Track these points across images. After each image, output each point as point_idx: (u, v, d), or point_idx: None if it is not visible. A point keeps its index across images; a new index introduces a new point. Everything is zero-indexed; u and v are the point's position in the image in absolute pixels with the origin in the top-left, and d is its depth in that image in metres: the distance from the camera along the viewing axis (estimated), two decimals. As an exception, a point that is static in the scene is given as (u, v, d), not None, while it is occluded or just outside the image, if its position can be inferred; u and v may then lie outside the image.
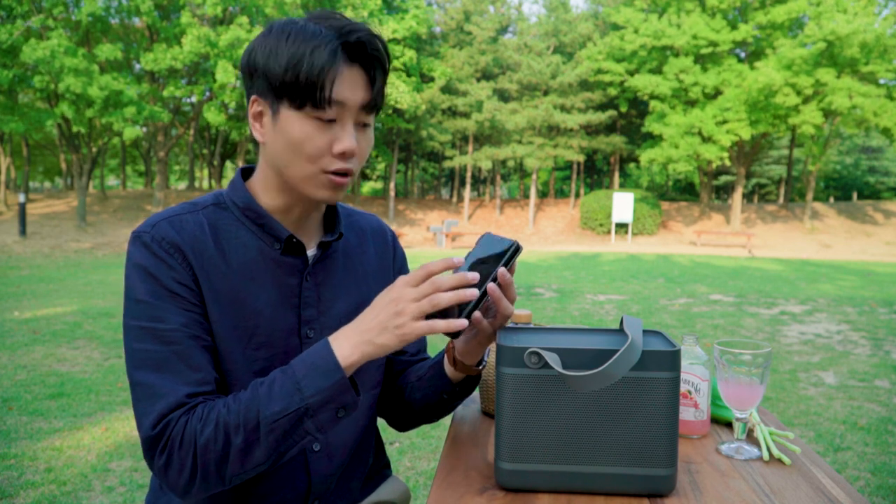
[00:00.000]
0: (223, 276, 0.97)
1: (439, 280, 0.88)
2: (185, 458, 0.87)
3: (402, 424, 1.23)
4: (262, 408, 0.86)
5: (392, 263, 1.20)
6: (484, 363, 1.10)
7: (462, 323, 0.87)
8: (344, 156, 0.94)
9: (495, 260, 0.94)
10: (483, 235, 0.99)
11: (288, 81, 0.90)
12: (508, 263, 0.93)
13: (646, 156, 26.84)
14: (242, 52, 0.98)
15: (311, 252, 1.06)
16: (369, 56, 0.94)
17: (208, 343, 0.95)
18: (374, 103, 0.96)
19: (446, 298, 0.86)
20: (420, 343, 1.24)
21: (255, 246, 1.00)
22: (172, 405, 0.88)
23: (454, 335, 0.92)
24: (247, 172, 1.07)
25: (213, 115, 20.18)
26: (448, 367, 1.09)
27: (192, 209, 1.00)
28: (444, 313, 0.91)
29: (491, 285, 0.92)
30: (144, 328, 0.91)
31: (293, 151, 0.94)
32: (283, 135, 0.94)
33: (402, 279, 0.89)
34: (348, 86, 0.92)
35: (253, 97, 0.96)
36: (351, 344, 0.88)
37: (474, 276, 0.88)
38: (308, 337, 1.03)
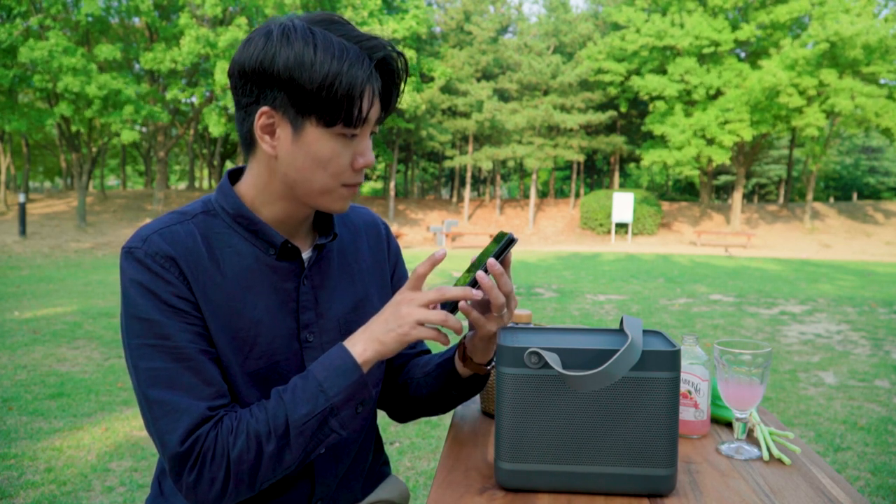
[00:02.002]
0: (218, 287, 0.95)
1: (445, 293, 0.92)
2: (217, 472, 0.87)
3: (403, 417, 1.23)
4: (289, 413, 0.89)
5: (387, 257, 1.19)
6: (493, 364, 1.10)
7: (445, 340, 0.94)
8: (363, 168, 0.96)
9: (489, 253, 0.96)
10: (498, 234, 1.01)
11: (323, 99, 0.88)
12: (501, 255, 0.95)
13: (649, 157, 26.82)
14: (236, 52, 0.92)
15: (306, 255, 1.04)
16: (392, 73, 0.94)
17: (214, 355, 0.94)
18: (387, 116, 0.98)
19: (453, 319, 0.92)
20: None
21: (249, 253, 0.98)
22: (198, 420, 0.88)
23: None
24: (234, 174, 1.04)
25: (213, 123, 20.01)
26: (458, 363, 1.10)
27: (181, 219, 0.97)
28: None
29: (479, 273, 0.93)
30: (152, 346, 0.89)
31: (318, 167, 0.93)
32: (308, 151, 0.92)
33: (403, 288, 0.95)
34: (373, 103, 0.93)
35: (264, 109, 0.90)
36: (363, 342, 0.92)
37: (478, 293, 0.92)
38: (308, 341, 1.02)
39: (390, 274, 1.19)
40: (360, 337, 0.93)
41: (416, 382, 1.15)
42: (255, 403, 0.92)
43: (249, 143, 0.96)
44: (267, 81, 0.89)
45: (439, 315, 0.90)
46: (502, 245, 0.95)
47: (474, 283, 0.93)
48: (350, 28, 0.92)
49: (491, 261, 0.93)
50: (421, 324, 0.90)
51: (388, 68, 0.93)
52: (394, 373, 1.21)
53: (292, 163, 0.93)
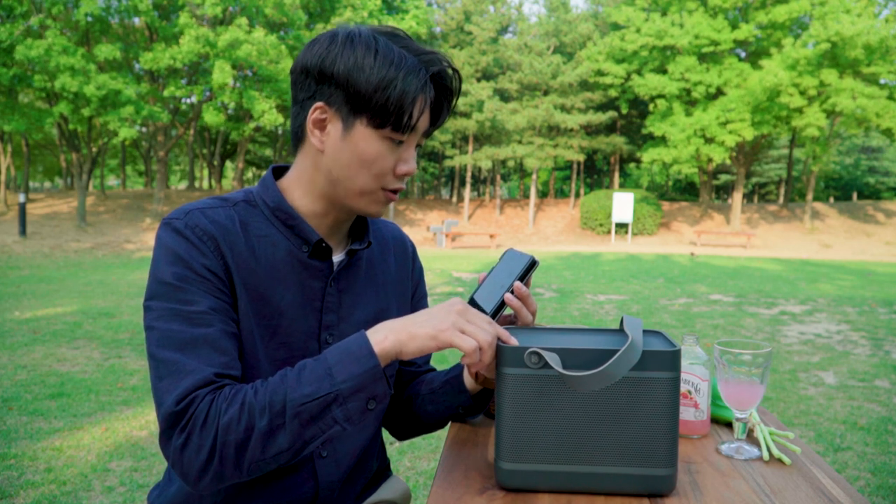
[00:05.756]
0: (251, 272, 0.97)
1: (501, 335, 0.91)
2: (205, 439, 0.83)
3: (403, 433, 1.24)
4: (289, 391, 0.84)
5: (410, 275, 1.21)
6: None
7: (475, 358, 0.89)
8: (404, 176, 0.98)
9: (512, 274, 1.01)
10: (506, 251, 1.05)
11: (376, 101, 0.91)
12: (525, 277, 1.00)
13: (648, 155, 26.81)
14: (300, 52, 0.98)
15: (337, 258, 1.06)
16: (447, 89, 0.97)
17: (235, 331, 0.94)
18: (434, 130, 1.00)
19: (489, 354, 0.88)
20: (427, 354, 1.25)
21: (283, 246, 1.00)
22: (199, 382, 0.86)
23: None
24: (277, 171, 1.07)
25: (211, 116, 20.15)
26: (468, 380, 1.10)
27: (223, 204, 1.00)
28: None
29: (508, 295, 0.98)
30: (171, 309, 0.90)
31: (361, 167, 0.96)
32: (354, 149, 0.95)
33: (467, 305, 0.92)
34: (423, 112, 0.95)
35: (318, 104, 0.95)
36: (386, 329, 0.88)
37: (515, 342, 0.92)
38: (327, 342, 1.03)
39: (411, 293, 1.21)
40: (385, 325, 0.89)
41: (420, 398, 1.16)
42: (260, 379, 0.89)
43: (299, 138, 1.00)
44: (325, 79, 0.93)
45: (487, 337, 0.87)
46: (526, 268, 1.00)
47: (502, 304, 0.98)
48: (411, 42, 0.96)
49: (517, 284, 0.99)
50: (464, 333, 0.87)
51: (441, 82, 0.96)
52: (400, 388, 1.21)
53: (338, 159, 0.96)
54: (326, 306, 1.03)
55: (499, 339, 0.90)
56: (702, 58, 26.66)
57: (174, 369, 0.87)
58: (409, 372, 1.21)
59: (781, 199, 37.10)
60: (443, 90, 0.97)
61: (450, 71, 0.97)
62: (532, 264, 1.00)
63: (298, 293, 1.01)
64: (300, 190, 1.02)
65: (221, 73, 18.13)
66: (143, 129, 24.17)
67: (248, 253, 0.97)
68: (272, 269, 0.99)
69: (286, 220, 1.01)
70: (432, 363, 1.31)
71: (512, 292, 0.98)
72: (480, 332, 0.87)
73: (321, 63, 0.93)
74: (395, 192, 1.00)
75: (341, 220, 1.05)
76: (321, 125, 0.96)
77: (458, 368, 1.13)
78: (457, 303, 0.90)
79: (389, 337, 0.87)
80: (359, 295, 1.08)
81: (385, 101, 0.91)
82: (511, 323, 1.05)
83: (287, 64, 19.95)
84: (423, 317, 0.89)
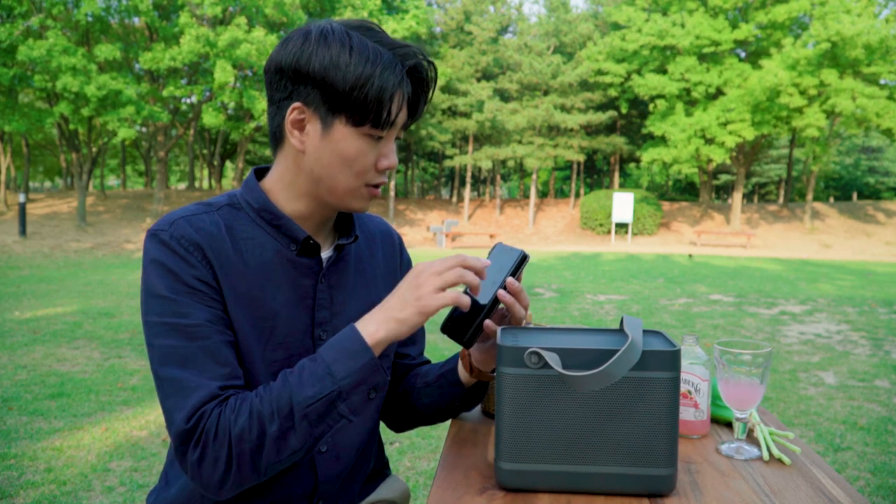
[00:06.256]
0: (241, 276, 0.97)
1: (466, 258, 0.91)
2: (220, 451, 0.86)
3: (400, 426, 1.24)
4: (294, 394, 0.86)
5: (399, 267, 1.21)
6: None
7: (466, 301, 0.90)
8: (386, 171, 0.99)
9: (504, 270, 1.00)
10: (495, 245, 1.04)
11: (353, 99, 0.91)
12: (516, 272, 0.98)
13: (648, 155, 26.80)
14: (273, 50, 0.97)
15: (325, 254, 1.06)
16: (423, 81, 0.97)
17: (232, 339, 0.95)
18: (413, 122, 1.00)
19: (470, 275, 0.90)
20: (420, 345, 1.25)
21: (271, 247, 1.00)
22: (205, 398, 0.87)
23: (468, 343, 0.98)
24: (259, 172, 1.07)
25: (210, 117, 20.11)
26: (463, 373, 1.11)
27: (207, 209, 1.00)
28: (459, 327, 0.97)
29: (501, 291, 0.97)
30: (168, 324, 0.90)
31: (343, 165, 0.95)
32: (335, 149, 0.94)
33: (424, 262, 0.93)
34: (401, 107, 0.95)
35: (296, 104, 0.94)
36: (375, 322, 0.90)
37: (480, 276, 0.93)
38: (321, 339, 1.03)
39: None
40: (374, 316, 0.91)
41: (416, 391, 1.16)
42: (262, 385, 0.91)
43: (278, 139, 0.99)
44: (301, 79, 0.92)
45: (455, 273, 0.89)
46: (517, 263, 0.99)
47: (496, 301, 0.97)
48: (384, 35, 0.95)
49: (510, 279, 0.98)
50: (441, 289, 0.89)
51: (418, 75, 0.96)
52: (396, 380, 1.21)
53: (319, 158, 0.96)
54: (318, 303, 1.03)
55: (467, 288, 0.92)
56: (702, 58, 26.65)
57: (179, 387, 0.88)
58: (403, 365, 1.21)
59: (781, 199, 37.11)
60: (419, 83, 0.97)
61: (425, 63, 0.96)
62: (523, 259, 0.99)
63: (290, 292, 1.01)
64: (283, 190, 1.01)
65: (223, 73, 18.12)
66: (143, 129, 24.17)
67: (235, 257, 0.97)
68: (262, 271, 0.99)
69: (272, 220, 1.01)
70: (428, 356, 1.30)
71: (504, 288, 0.98)
72: (450, 275, 0.89)
73: (296, 62, 0.92)
74: (377, 186, 1.00)
75: (326, 217, 1.05)
76: (300, 125, 0.95)
77: (453, 361, 1.13)
78: (416, 271, 0.91)
79: (381, 328, 0.89)
80: (349, 290, 1.08)
81: (363, 98, 0.91)
82: (503, 317, 1.05)
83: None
84: (400, 299, 0.90)
